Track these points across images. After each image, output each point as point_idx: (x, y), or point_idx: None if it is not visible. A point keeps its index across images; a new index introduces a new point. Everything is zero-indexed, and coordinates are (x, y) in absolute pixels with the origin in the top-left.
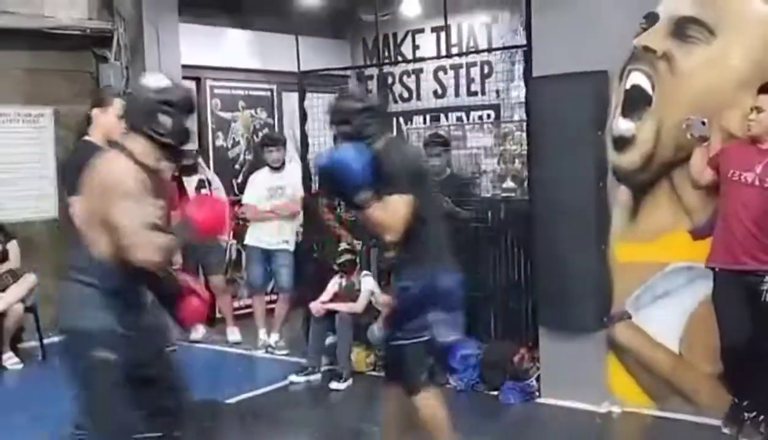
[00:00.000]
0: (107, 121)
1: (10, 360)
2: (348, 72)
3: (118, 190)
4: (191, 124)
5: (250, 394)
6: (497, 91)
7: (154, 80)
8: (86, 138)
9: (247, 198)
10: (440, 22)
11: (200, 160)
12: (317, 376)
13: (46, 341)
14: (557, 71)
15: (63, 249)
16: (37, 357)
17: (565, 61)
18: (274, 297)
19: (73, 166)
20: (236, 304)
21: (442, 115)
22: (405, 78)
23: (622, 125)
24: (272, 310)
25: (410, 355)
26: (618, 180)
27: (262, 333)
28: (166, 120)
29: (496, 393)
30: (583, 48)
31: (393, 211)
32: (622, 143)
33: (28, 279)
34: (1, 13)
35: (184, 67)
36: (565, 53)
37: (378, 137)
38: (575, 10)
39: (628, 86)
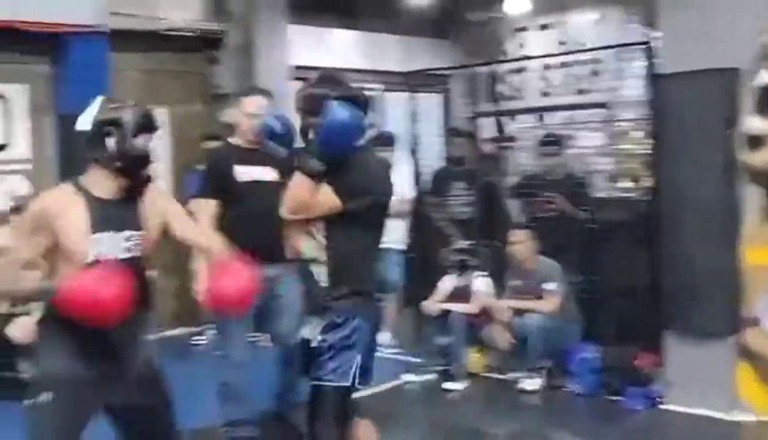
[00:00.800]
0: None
1: None
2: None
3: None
4: (150, 142)
5: (365, 392)
6: (609, 89)
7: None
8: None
9: None
10: (546, 20)
11: None
12: (431, 376)
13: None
14: (686, 68)
15: (173, 249)
16: None
17: (694, 59)
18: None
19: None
20: None
21: (548, 114)
22: (510, 76)
23: (754, 123)
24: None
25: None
26: (750, 179)
27: None
28: (110, 142)
29: (617, 397)
30: (714, 45)
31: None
32: (755, 142)
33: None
34: (119, 16)
35: (293, 68)
36: (695, 50)
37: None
38: (705, 7)
39: (760, 84)
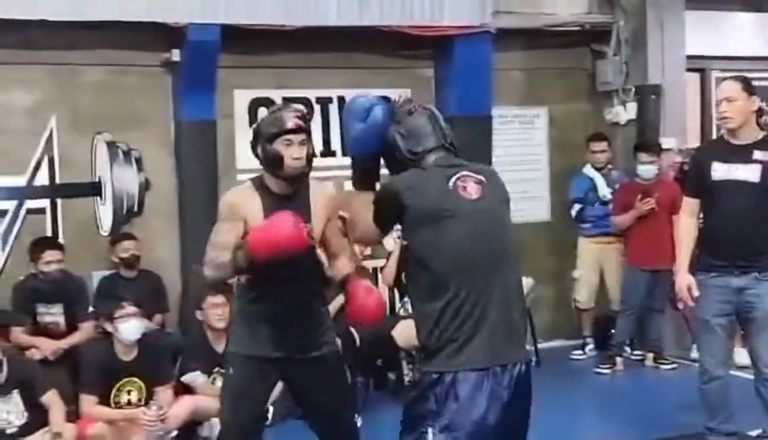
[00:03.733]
0: None
1: None
2: None
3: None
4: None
5: None
6: None
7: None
8: None
9: None
10: None
11: None
12: None
13: (540, 346)
14: None
15: (554, 253)
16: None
17: None
18: None
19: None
20: None
21: None
22: None
23: None
24: None
25: None
26: None
27: None
28: (255, 145)
29: None
30: None
31: None
32: None
33: (526, 283)
34: (503, 14)
35: (687, 58)
36: None
37: None
38: None
39: None
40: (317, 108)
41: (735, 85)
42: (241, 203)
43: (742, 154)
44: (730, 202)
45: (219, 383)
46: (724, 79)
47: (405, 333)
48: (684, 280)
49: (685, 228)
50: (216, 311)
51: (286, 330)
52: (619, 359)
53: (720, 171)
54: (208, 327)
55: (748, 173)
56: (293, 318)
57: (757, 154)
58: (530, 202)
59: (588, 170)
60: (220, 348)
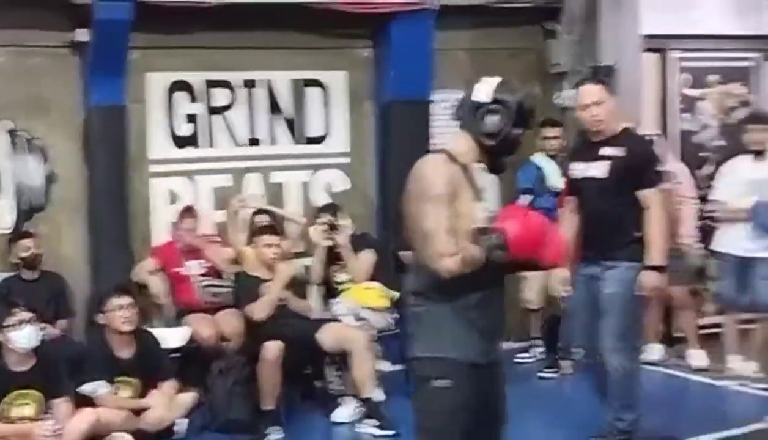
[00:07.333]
0: None
1: None
2: None
3: (425, 194)
4: (520, 135)
5: (718, 435)
6: None
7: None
8: None
9: (719, 193)
10: None
11: (663, 146)
12: None
13: None
14: None
15: None
16: None
17: None
18: (750, 315)
19: None
20: (701, 322)
21: None
22: None
23: None
24: (747, 332)
25: None
26: None
27: (733, 360)
28: (492, 120)
29: None
30: None
31: None
32: None
33: None
34: None
35: (644, 37)
36: None
37: None
38: None
39: None
40: (243, 92)
41: (599, 88)
42: None
43: (593, 152)
44: (585, 198)
45: (122, 393)
46: (684, 59)
47: (332, 336)
48: (559, 274)
49: (565, 224)
50: (122, 313)
51: None
52: (567, 362)
53: (577, 170)
54: (111, 331)
55: (597, 170)
56: None
57: (606, 151)
58: None
59: (537, 158)
60: (125, 354)
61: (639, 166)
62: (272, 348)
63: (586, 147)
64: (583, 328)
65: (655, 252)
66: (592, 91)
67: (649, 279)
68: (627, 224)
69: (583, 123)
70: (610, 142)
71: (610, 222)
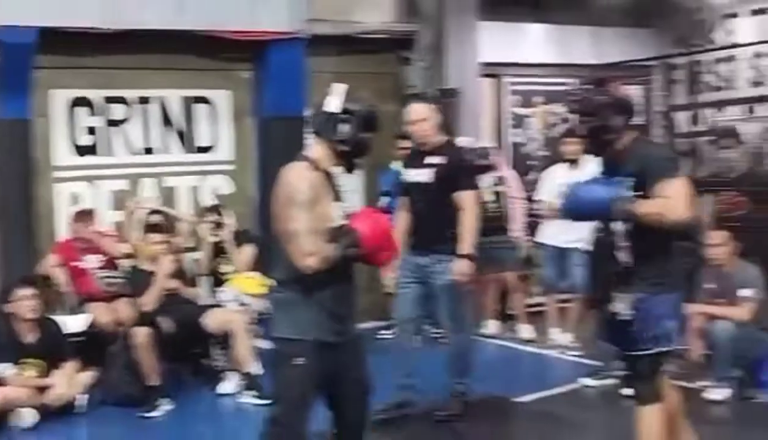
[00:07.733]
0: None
1: None
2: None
3: (291, 199)
4: (369, 139)
5: (541, 394)
6: None
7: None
8: None
9: (541, 194)
10: (760, 4)
11: (497, 157)
12: (611, 381)
13: None
14: None
15: None
16: None
17: None
18: (567, 296)
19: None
20: (529, 302)
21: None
22: (716, 66)
23: None
24: (565, 309)
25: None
26: None
27: (554, 333)
28: (344, 128)
29: None
30: None
31: (677, 192)
32: None
33: None
34: (316, 21)
35: (482, 65)
36: None
37: (622, 134)
38: None
39: None
40: (139, 108)
41: (424, 107)
42: None
43: (421, 160)
44: (415, 199)
45: (28, 373)
46: (515, 83)
47: (215, 319)
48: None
49: (398, 221)
50: (26, 302)
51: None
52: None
53: (407, 175)
54: (17, 319)
55: (424, 176)
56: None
57: (430, 159)
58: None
59: (395, 165)
60: (30, 339)
61: (456, 173)
62: (140, 333)
63: (416, 156)
64: (408, 306)
65: (466, 244)
66: (419, 110)
67: (461, 266)
68: (448, 221)
69: (413, 136)
70: (434, 152)
71: (434, 219)
